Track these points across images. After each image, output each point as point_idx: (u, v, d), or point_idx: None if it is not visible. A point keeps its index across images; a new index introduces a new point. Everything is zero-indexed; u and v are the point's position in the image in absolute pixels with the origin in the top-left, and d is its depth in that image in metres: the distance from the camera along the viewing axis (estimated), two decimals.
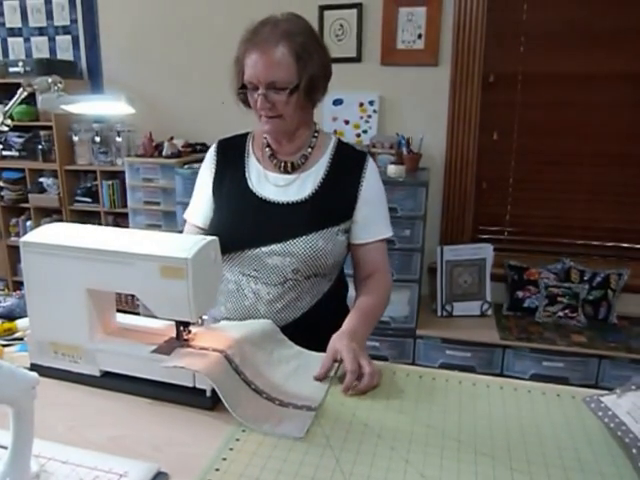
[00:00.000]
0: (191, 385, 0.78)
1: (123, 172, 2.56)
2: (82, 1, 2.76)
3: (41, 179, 2.84)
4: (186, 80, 2.68)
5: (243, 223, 1.07)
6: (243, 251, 1.06)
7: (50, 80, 1.07)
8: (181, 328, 0.84)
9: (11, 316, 1.11)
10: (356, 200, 1.08)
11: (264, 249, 1.04)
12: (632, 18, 2.16)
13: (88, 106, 1.13)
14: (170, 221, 2.49)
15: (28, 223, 2.92)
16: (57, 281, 0.83)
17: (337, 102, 2.47)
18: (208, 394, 0.78)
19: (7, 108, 1.08)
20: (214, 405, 0.78)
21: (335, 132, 2.45)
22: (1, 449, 0.63)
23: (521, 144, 2.38)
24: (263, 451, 0.69)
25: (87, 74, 2.85)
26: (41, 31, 2.86)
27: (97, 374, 0.84)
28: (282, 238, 1.04)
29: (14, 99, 1.09)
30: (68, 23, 2.80)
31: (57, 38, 2.85)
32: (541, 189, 2.40)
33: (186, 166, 2.35)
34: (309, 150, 1.09)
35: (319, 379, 0.85)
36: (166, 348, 0.83)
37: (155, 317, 0.85)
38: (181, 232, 1.22)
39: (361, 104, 2.44)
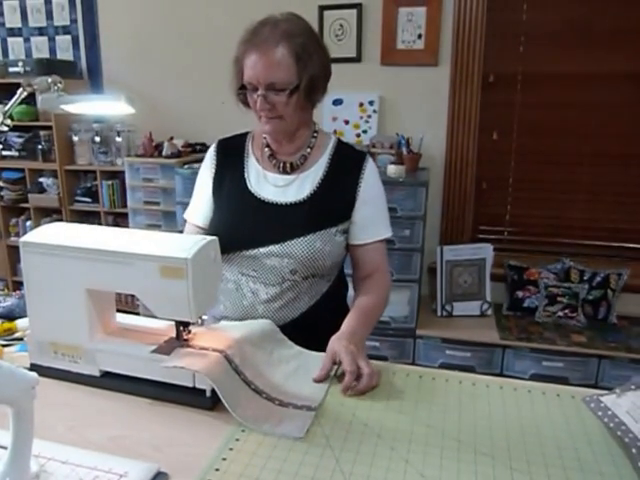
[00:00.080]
0: (191, 385, 0.78)
1: (123, 172, 2.56)
2: (82, 1, 2.75)
3: (41, 179, 2.84)
4: (186, 80, 2.68)
5: (241, 224, 1.07)
6: (241, 252, 1.06)
7: (50, 80, 1.07)
8: (181, 328, 0.84)
9: (11, 316, 1.11)
10: (355, 200, 1.08)
11: (262, 250, 1.04)
12: (632, 18, 2.16)
13: (88, 106, 1.13)
14: (170, 221, 2.49)
15: (28, 223, 2.92)
16: (57, 281, 0.83)
17: (337, 102, 2.47)
18: (208, 394, 0.78)
19: (7, 108, 1.08)
20: (214, 405, 0.78)
21: (335, 132, 2.45)
22: (1, 449, 0.63)
23: (521, 144, 2.38)
24: (263, 451, 0.69)
25: (87, 74, 2.85)
26: (41, 31, 2.86)
27: (97, 374, 0.84)
28: (280, 239, 1.03)
29: (14, 99, 1.09)
30: (68, 23, 2.80)
31: (57, 38, 2.85)
32: (541, 189, 2.40)
33: (186, 166, 2.35)
34: (308, 150, 1.09)
35: (319, 381, 0.85)
36: (166, 348, 0.83)
37: (155, 317, 0.85)
38: (181, 232, 1.22)
39: (361, 104, 2.44)
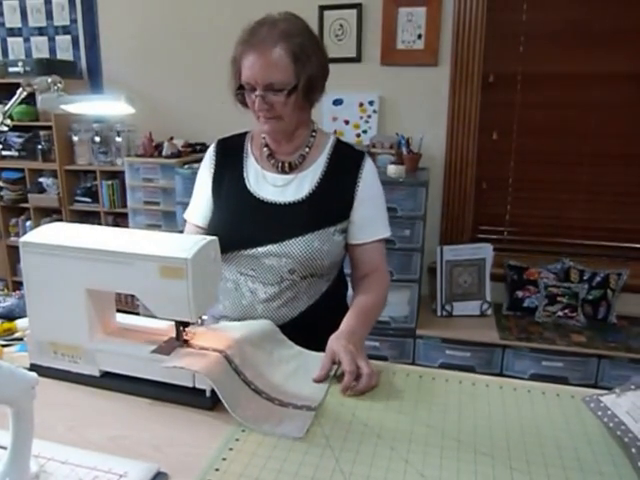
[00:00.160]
0: (191, 385, 0.78)
1: (123, 172, 2.56)
2: (82, 1, 2.75)
3: (41, 179, 2.84)
4: (186, 80, 2.68)
5: (240, 224, 1.07)
6: (240, 251, 1.06)
7: (50, 80, 1.07)
8: (181, 328, 0.84)
9: (11, 316, 1.11)
10: (353, 200, 1.07)
11: (260, 250, 1.04)
12: (632, 18, 2.16)
13: (88, 106, 1.13)
14: (170, 221, 2.49)
15: (28, 223, 2.91)
16: (57, 281, 0.83)
17: (337, 102, 2.47)
18: (208, 394, 0.78)
19: (7, 108, 1.08)
20: (214, 405, 0.78)
21: (335, 132, 2.45)
22: (0, 449, 0.63)
23: (521, 144, 2.38)
24: (263, 451, 0.69)
25: (87, 74, 2.84)
26: (41, 31, 2.86)
27: (97, 374, 0.84)
28: (278, 239, 1.03)
29: (14, 99, 1.09)
30: (68, 23, 2.80)
31: (57, 38, 2.85)
32: (541, 189, 2.40)
33: (186, 166, 2.35)
34: (307, 150, 1.09)
35: (319, 381, 0.85)
36: (166, 348, 0.83)
37: (155, 317, 0.85)
38: (181, 232, 1.22)
39: (361, 104, 2.44)
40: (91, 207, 2.77)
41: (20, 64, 2.64)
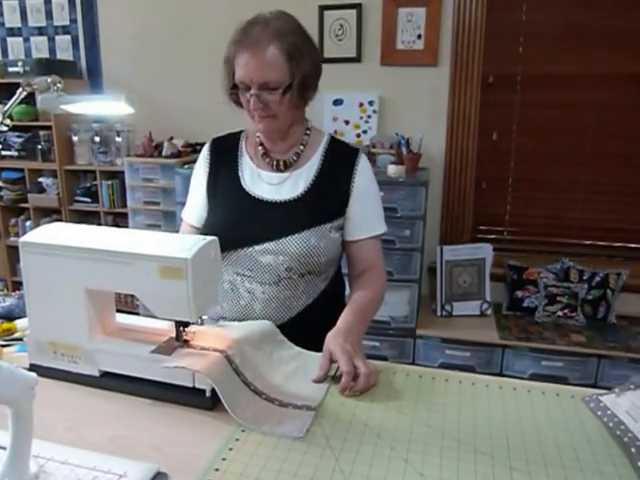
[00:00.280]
0: (191, 385, 0.78)
1: (123, 172, 2.56)
2: (82, 1, 2.75)
3: (40, 179, 2.84)
4: (186, 80, 2.68)
5: (236, 222, 1.07)
6: (236, 250, 1.06)
7: (49, 80, 1.07)
8: (181, 328, 0.84)
9: (10, 316, 1.11)
10: (348, 197, 1.08)
11: (257, 248, 1.04)
12: (631, 19, 2.16)
13: (88, 106, 1.13)
14: (170, 221, 2.49)
15: (27, 223, 2.91)
16: (56, 281, 0.83)
17: (337, 102, 2.47)
18: (208, 394, 0.78)
19: (6, 108, 1.08)
20: (214, 405, 0.78)
21: (336, 132, 2.45)
22: (0, 449, 0.63)
23: (520, 144, 2.38)
24: (263, 451, 0.69)
25: (87, 74, 2.84)
26: (41, 31, 2.86)
27: (96, 374, 0.84)
28: (275, 236, 1.04)
29: (13, 99, 1.09)
30: (68, 23, 2.80)
31: (57, 38, 2.85)
32: (540, 189, 2.40)
33: (186, 166, 2.35)
34: (301, 147, 1.09)
35: (318, 382, 0.85)
36: (166, 348, 0.83)
37: (155, 317, 0.85)
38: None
39: (361, 104, 2.44)
40: (91, 207, 2.77)
41: (20, 64, 2.64)
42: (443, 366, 2.16)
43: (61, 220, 2.76)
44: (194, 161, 2.67)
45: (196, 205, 1.15)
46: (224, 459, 0.68)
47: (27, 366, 0.87)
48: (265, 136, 1.09)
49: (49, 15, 2.82)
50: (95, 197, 2.75)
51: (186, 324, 0.84)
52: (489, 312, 2.31)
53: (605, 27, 2.18)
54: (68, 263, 0.81)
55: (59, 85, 1.08)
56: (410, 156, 2.24)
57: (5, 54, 2.95)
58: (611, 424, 0.75)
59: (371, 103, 2.43)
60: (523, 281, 2.33)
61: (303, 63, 0.99)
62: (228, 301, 1.10)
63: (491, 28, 2.26)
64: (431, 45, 2.31)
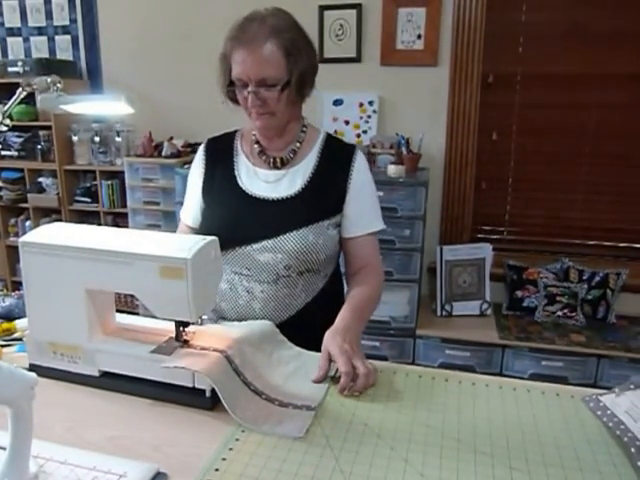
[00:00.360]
0: (191, 385, 0.78)
1: (122, 172, 2.56)
2: (82, 1, 2.75)
3: (40, 179, 2.84)
4: (186, 80, 2.68)
5: (233, 221, 1.07)
6: (234, 249, 1.05)
7: (49, 80, 1.07)
8: (180, 328, 0.84)
9: (10, 316, 1.11)
10: (345, 193, 1.08)
11: (255, 246, 1.04)
12: (631, 19, 2.16)
13: (87, 106, 1.14)
14: (170, 221, 2.49)
15: (27, 223, 2.91)
16: (56, 281, 0.83)
17: (337, 102, 2.47)
18: (208, 394, 0.78)
19: (6, 108, 1.08)
20: (214, 405, 0.78)
21: (335, 132, 2.45)
22: (0, 450, 0.63)
23: (520, 144, 2.38)
24: (263, 451, 0.69)
25: (86, 74, 2.84)
26: (40, 31, 2.86)
27: (96, 374, 0.84)
28: (272, 234, 1.03)
29: (13, 99, 1.09)
30: (67, 23, 2.80)
31: (56, 38, 2.85)
32: (540, 189, 2.40)
33: (186, 166, 2.35)
34: (297, 145, 1.09)
35: (318, 382, 0.85)
36: (166, 348, 0.83)
37: (155, 317, 0.85)
38: None
39: (361, 104, 2.45)
40: (91, 207, 2.77)
41: (20, 64, 2.64)
42: (443, 366, 2.16)
43: (61, 220, 2.75)
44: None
45: (192, 206, 1.16)
46: (224, 459, 0.68)
47: (27, 366, 0.87)
48: (261, 134, 1.09)
49: (49, 15, 2.82)
50: (95, 197, 2.75)
51: (186, 324, 0.84)
52: (489, 312, 2.31)
53: (605, 27, 2.19)
54: (68, 263, 0.81)
55: (59, 85, 1.08)
56: (410, 156, 2.24)
57: (5, 54, 2.95)
58: (611, 424, 0.75)
59: (371, 103, 2.43)
60: (523, 281, 2.33)
61: (300, 59, 0.99)
62: (227, 301, 1.09)
63: (491, 28, 2.26)
64: (431, 45, 2.31)
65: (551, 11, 2.23)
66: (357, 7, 2.36)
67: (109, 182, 2.69)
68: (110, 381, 0.83)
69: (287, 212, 1.05)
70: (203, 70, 2.63)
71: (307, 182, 1.07)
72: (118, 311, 0.92)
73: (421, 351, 2.23)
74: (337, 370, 0.86)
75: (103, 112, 1.17)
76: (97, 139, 2.70)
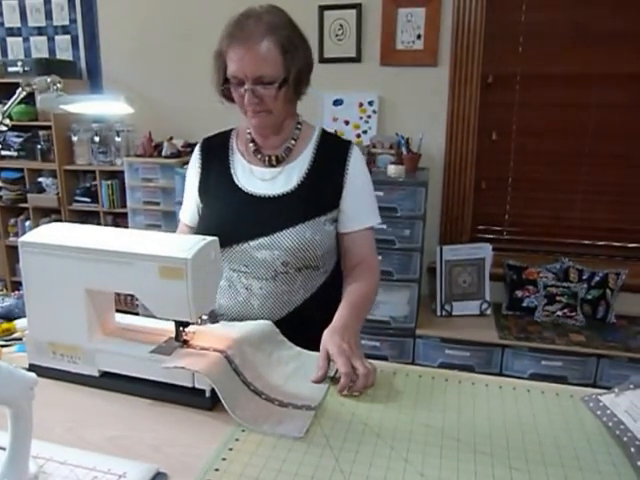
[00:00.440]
0: (190, 385, 0.78)
1: (122, 172, 2.56)
2: (81, 1, 2.75)
3: (40, 179, 2.84)
4: (186, 80, 2.68)
5: (230, 219, 1.07)
6: (232, 247, 1.05)
7: (49, 80, 1.07)
8: (180, 328, 0.84)
9: (10, 316, 1.11)
10: (342, 189, 1.08)
11: (252, 243, 1.04)
12: (631, 19, 2.16)
13: (87, 106, 1.14)
14: (170, 221, 2.49)
15: (27, 223, 2.91)
16: (56, 281, 0.83)
17: (337, 102, 2.47)
18: (207, 394, 0.78)
19: (6, 108, 1.08)
20: (213, 405, 0.78)
21: (336, 132, 2.45)
22: None
23: (520, 144, 2.38)
24: (262, 451, 0.69)
25: (86, 74, 2.84)
26: (40, 31, 2.86)
27: (96, 374, 0.84)
28: (269, 231, 1.03)
29: (13, 99, 1.09)
30: (67, 23, 2.80)
31: (56, 38, 2.85)
32: (540, 189, 2.40)
33: (185, 166, 2.34)
34: (292, 142, 1.10)
35: (317, 382, 0.85)
36: (166, 348, 0.83)
37: (155, 317, 0.85)
38: None
39: (361, 104, 2.45)
40: (90, 207, 2.77)
41: (19, 64, 2.64)
42: (443, 366, 2.16)
43: (61, 220, 2.75)
44: None
45: (190, 205, 1.16)
46: (224, 459, 0.68)
47: (26, 366, 0.87)
48: (257, 132, 1.09)
49: (49, 15, 2.82)
50: (95, 197, 2.75)
51: (186, 324, 0.84)
52: (489, 312, 2.31)
53: (605, 27, 2.19)
54: (68, 263, 0.81)
55: (59, 85, 1.08)
56: (410, 156, 2.24)
57: (5, 54, 2.95)
58: (610, 423, 0.75)
59: (371, 103, 2.43)
60: (523, 281, 2.33)
61: (297, 57, 0.99)
62: (226, 298, 1.10)
63: (491, 28, 2.27)
64: (431, 45, 2.31)
65: (551, 11, 2.23)
66: (357, 7, 2.36)
67: (109, 182, 2.69)
68: (110, 381, 0.83)
69: (284, 209, 1.05)
70: (203, 70, 2.62)
71: (303, 178, 1.07)
72: (118, 311, 0.92)
73: (421, 351, 2.23)
74: (337, 370, 0.86)
75: (103, 112, 1.17)
76: (97, 139, 2.70)
